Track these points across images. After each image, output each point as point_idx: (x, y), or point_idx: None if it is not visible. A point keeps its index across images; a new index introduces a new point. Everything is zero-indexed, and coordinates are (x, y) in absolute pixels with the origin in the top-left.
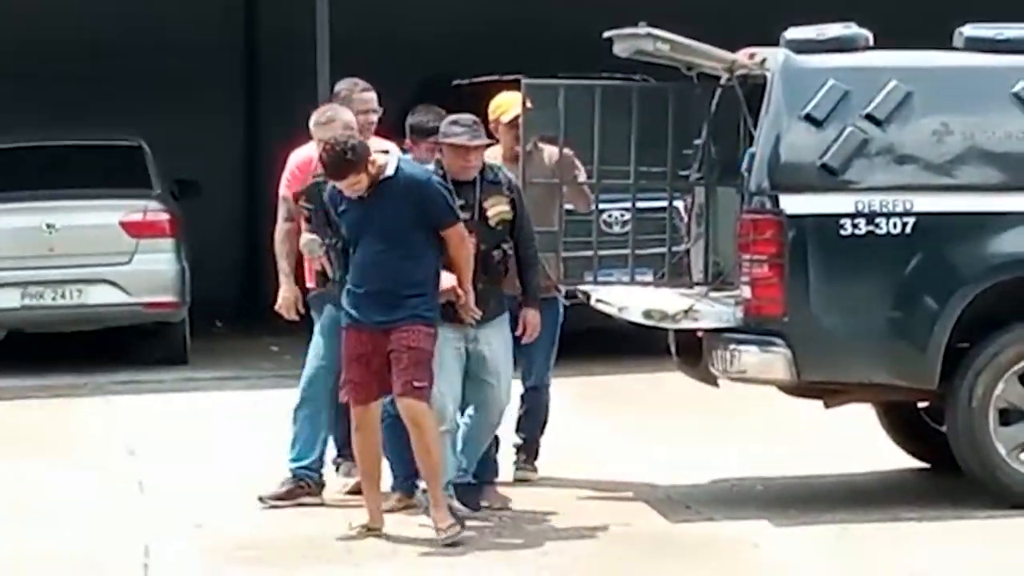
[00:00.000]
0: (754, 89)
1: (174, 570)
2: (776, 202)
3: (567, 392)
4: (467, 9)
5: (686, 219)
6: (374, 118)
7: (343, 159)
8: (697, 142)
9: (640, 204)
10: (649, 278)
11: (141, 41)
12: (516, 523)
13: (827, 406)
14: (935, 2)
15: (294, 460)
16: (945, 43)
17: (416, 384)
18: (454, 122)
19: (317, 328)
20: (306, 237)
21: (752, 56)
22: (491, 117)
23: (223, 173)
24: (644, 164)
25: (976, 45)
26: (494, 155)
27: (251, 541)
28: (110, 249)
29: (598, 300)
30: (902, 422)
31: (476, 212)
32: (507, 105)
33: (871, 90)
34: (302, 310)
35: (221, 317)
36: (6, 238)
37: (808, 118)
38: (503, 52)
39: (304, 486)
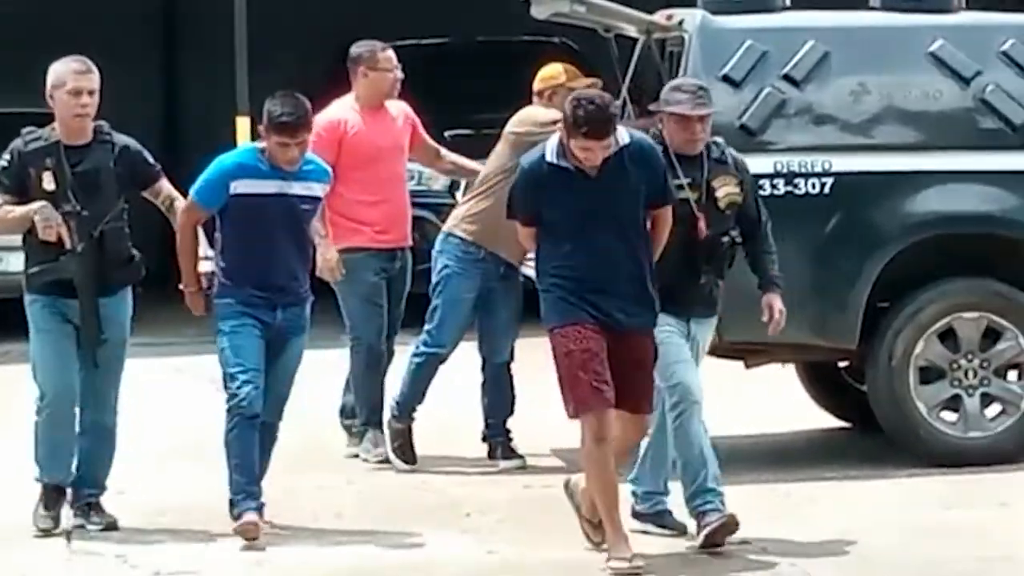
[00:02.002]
0: (673, 50)
1: (96, 536)
2: None
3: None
4: None
5: None
6: (400, 75)
7: (609, 113)
8: (616, 103)
9: None
10: None
11: (64, 9)
12: (436, 485)
13: (748, 366)
14: None
15: None
16: (862, 3)
17: (651, 402)
18: (676, 87)
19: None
20: (38, 203)
21: (670, 17)
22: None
23: (141, 132)
24: None
25: (893, 5)
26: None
27: (174, 505)
28: None
29: (520, 264)
30: (823, 381)
31: (703, 192)
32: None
33: (789, 50)
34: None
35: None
36: None
37: (726, 79)
38: (422, 18)
39: None
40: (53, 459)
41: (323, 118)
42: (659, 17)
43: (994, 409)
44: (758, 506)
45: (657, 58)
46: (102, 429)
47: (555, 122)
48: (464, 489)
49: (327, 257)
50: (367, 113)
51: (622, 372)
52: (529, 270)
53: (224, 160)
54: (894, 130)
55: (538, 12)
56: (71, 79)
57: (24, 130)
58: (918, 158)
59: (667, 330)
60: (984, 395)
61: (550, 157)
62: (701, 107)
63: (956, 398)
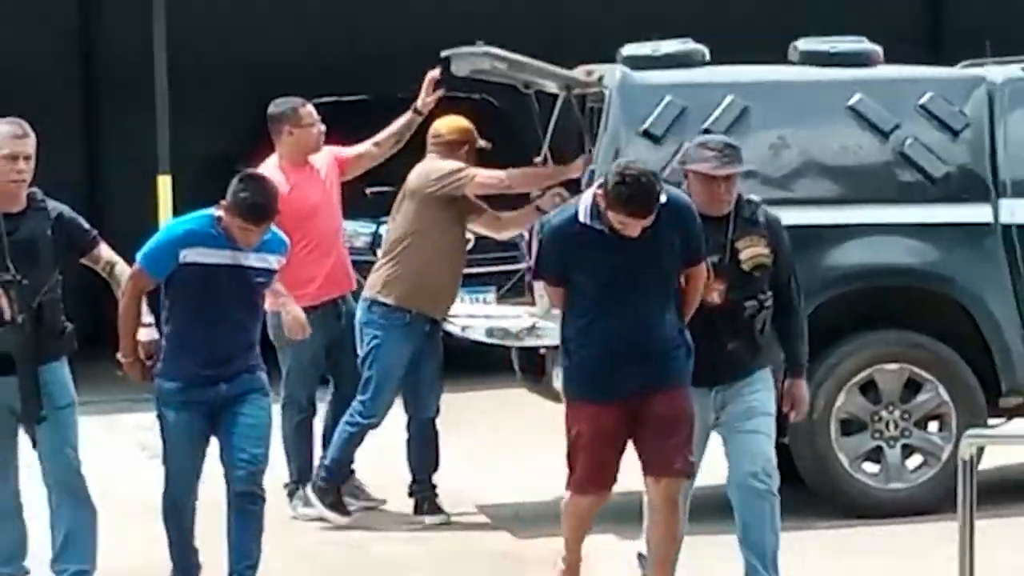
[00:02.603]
0: (594, 106)
1: None
2: None
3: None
4: (301, 34)
5: (527, 237)
6: (322, 128)
7: (653, 190)
8: (537, 159)
9: None
10: (492, 296)
11: None
12: (361, 542)
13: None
14: (770, 17)
15: None
16: (782, 58)
17: (690, 459)
18: (702, 144)
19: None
20: None
21: (590, 73)
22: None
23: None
24: None
25: (811, 59)
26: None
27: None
28: None
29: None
30: None
31: (727, 254)
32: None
33: (708, 106)
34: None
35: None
36: None
37: (646, 134)
38: (342, 75)
39: None
40: (5, 559)
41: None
42: (579, 73)
43: (915, 460)
44: (682, 560)
45: (577, 114)
46: (73, 492)
47: (461, 170)
48: (390, 547)
49: (296, 315)
50: (295, 171)
51: (651, 434)
52: (451, 326)
53: (175, 226)
54: (814, 184)
55: (458, 69)
56: (7, 144)
57: None
58: (838, 211)
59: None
60: (905, 446)
61: (583, 217)
62: (728, 166)
63: (877, 449)
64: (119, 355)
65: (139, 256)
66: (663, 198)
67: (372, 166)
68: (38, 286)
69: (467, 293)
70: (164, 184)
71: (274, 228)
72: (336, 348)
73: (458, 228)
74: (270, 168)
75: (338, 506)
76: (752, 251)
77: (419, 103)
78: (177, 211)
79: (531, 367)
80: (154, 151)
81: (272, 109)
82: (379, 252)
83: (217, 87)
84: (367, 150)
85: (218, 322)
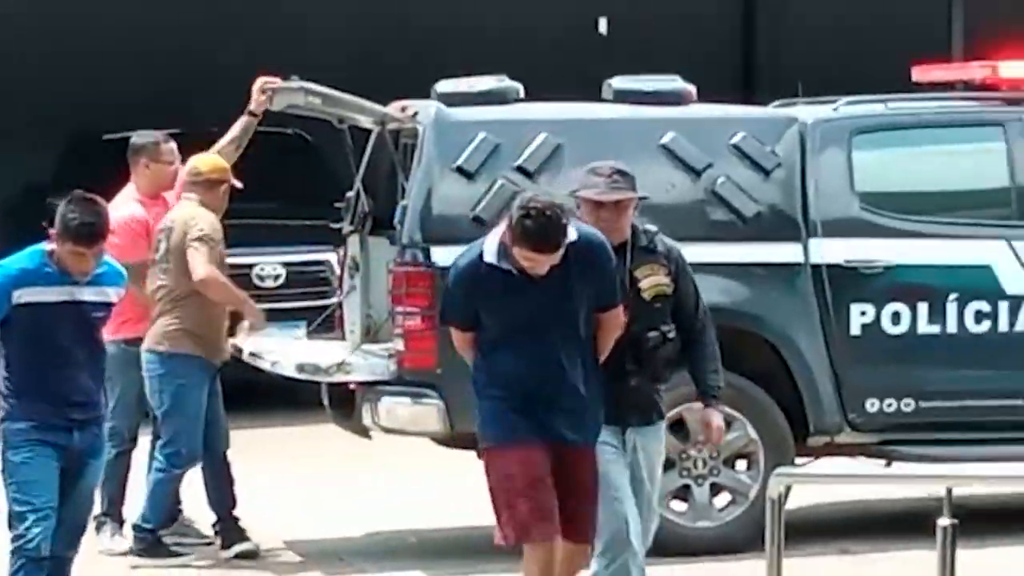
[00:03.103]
0: (408, 142)
1: None
2: (428, 254)
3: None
4: (111, 65)
5: (339, 271)
6: (179, 168)
7: (559, 225)
8: (350, 194)
9: (293, 258)
10: (302, 332)
11: None
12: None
13: (480, 456)
14: (586, 55)
15: None
16: (595, 96)
17: (594, 529)
18: (592, 170)
19: None
20: None
21: (404, 109)
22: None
23: None
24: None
25: (625, 97)
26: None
27: None
28: None
29: (251, 354)
30: None
31: (626, 283)
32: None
33: (521, 143)
34: None
35: None
36: None
37: (460, 170)
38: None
39: None
40: None
41: (125, 214)
42: (393, 109)
43: (724, 499)
44: None
45: (391, 149)
46: None
47: (199, 251)
48: None
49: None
50: (151, 204)
51: (563, 496)
52: (261, 362)
53: (6, 266)
54: None
55: (274, 105)
56: None
57: None
58: None
59: (605, 450)
60: (713, 484)
61: (489, 258)
62: (615, 192)
63: (685, 487)
64: None
65: None
66: (573, 235)
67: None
68: None
69: (278, 328)
70: None
71: (109, 259)
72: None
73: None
74: (128, 199)
75: (161, 552)
76: (652, 280)
77: (252, 105)
78: None
79: (341, 403)
80: None
81: (134, 140)
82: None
83: (26, 121)
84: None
85: (60, 362)
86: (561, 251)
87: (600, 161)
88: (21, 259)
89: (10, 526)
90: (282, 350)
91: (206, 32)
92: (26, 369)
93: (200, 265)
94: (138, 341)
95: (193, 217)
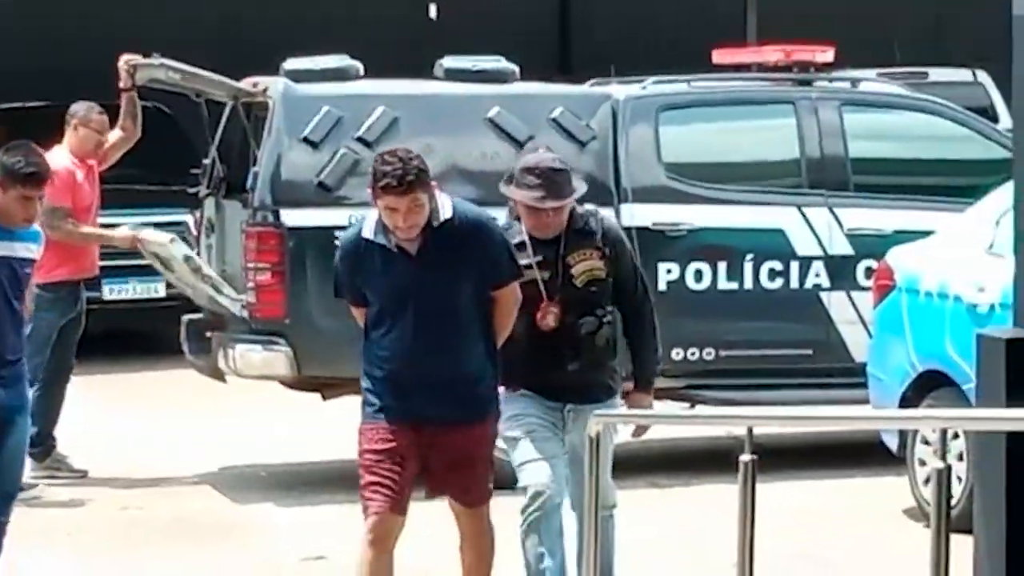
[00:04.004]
0: (259, 114)
1: None
2: (277, 216)
3: (95, 391)
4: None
5: (195, 232)
6: (105, 137)
7: (412, 167)
8: (205, 162)
9: (153, 219)
10: (162, 287)
11: None
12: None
13: (324, 398)
14: (422, 38)
15: None
16: (429, 74)
17: (491, 491)
18: (527, 169)
19: None
20: None
21: (255, 84)
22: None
23: None
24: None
25: (455, 75)
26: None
27: None
28: None
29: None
30: None
31: (559, 270)
32: None
33: (362, 115)
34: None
35: None
36: None
37: (306, 140)
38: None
39: None
40: None
41: (60, 164)
42: (246, 84)
43: None
44: (337, 525)
45: (244, 121)
46: None
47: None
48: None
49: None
50: (81, 166)
51: (448, 465)
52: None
53: None
54: (458, 187)
55: (139, 77)
56: None
57: None
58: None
59: (529, 422)
60: None
61: (367, 233)
62: (554, 200)
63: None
64: None
65: None
66: (448, 212)
67: (127, 143)
68: None
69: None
70: None
71: None
72: (68, 326)
73: None
74: (62, 155)
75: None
76: (584, 265)
77: (122, 83)
78: None
79: (198, 349)
80: None
81: (73, 105)
82: None
83: None
84: (117, 137)
85: None
86: (416, 195)
87: (532, 154)
88: None
89: None
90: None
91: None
92: None
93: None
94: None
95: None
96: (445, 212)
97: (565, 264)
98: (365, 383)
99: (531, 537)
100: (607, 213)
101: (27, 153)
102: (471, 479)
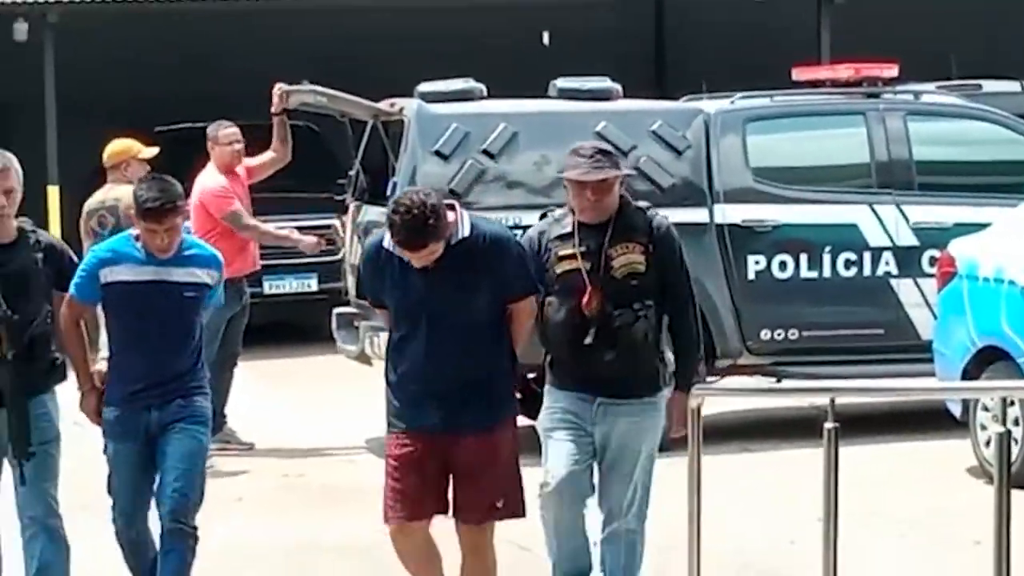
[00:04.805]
0: (396, 131)
1: None
2: None
3: (258, 374)
4: (168, 69)
5: (343, 234)
6: (240, 147)
7: (425, 226)
8: (351, 173)
9: (306, 223)
10: (314, 283)
11: None
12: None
13: None
14: (536, 61)
15: None
16: (543, 94)
17: (499, 505)
18: (574, 151)
19: None
20: None
21: (393, 105)
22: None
23: None
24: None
25: (566, 94)
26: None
27: None
28: None
29: None
30: None
31: (599, 261)
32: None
33: (486, 131)
34: None
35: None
36: None
37: (437, 153)
38: (191, 101)
39: None
40: None
41: (210, 181)
42: (384, 105)
43: None
44: None
45: (383, 137)
46: (49, 531)
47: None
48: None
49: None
50: (227, 177)
51: (458, 479)
52: None
53: (97, 249)
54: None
55: (290, 102)
56: None
57: None
58: None
59: (556, 418)
60: None
61: (387, 244)
62: (596, 172)
63: None
64: (77, 387)
65: (71, 285)
66: (466, 231)
67: (278, 164)
68: (28, 320)
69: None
70: (53, 194)
71: (199, 241)
72: (235, 317)
73: None
74: (211, 172)
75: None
76: (625, 259)
77: (273, 107)
78: (64, 218)
79: (347, 337)
80: (44, 164)
81: (208, 129)
82: None
83: (100, 109)
84: (269, 158)
85: (150, 344)
86: (433, 247)
87: (583, 141)
88: (111, 242)
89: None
90: None
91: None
92: (120, 351)
93: None
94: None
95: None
96: (463, 231)
97: (607, 255)
98: (388, 392)
99: (545, 514)
100: (665, 214)
101: (152, 186)
102: (475, 494)
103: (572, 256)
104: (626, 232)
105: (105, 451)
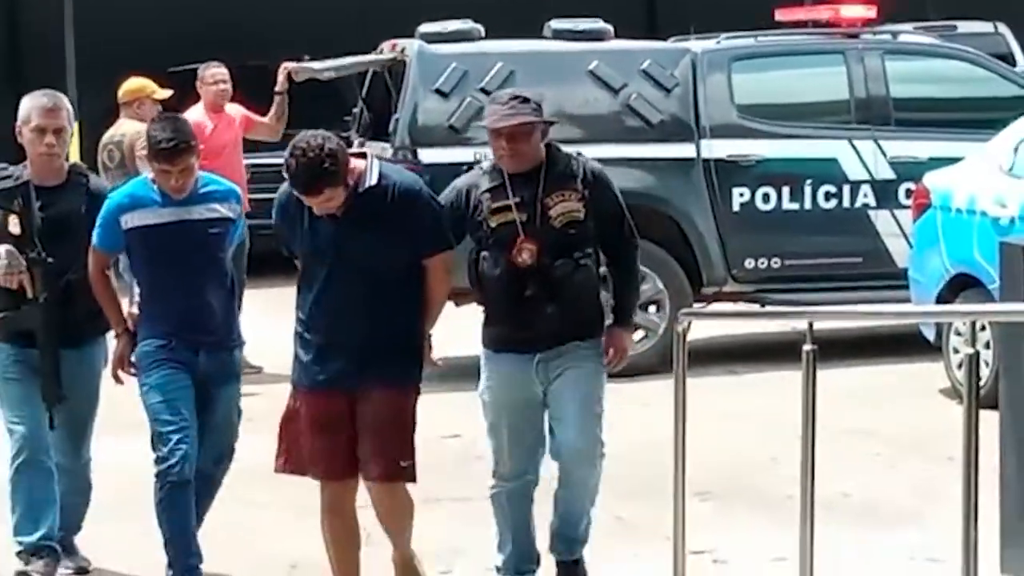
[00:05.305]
0: (398, 71)
1: None
2: (415, 154)
3: (257, 303)
4: (184, 11)
5: None
6: (225, 87)
7: (321, 169)
8: (355, 110)
9: None
10: None
11: None
12: None
13: (457, 305)
14: (528, 4)
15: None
16: (539, 34)
17: (403, 463)
18: (493, 99)
19: None
20: (2, 247)
21: (395, 46)
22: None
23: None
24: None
25: (561, 35)
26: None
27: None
28: None
29: None
30: None
31: (535, 212)
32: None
33: (483, 70)
34: None
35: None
36: None
37: (437, 91)
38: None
39: None
40: (34, 521)
41: (191, 118)
42: (386, 46)
43: (639, 334)
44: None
45: (386, 77)
46: (74, 477)
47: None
48: None
49: None
50: (213, 116)
51: (363, 434)
52: None
53: (114, 195)
54: (564, 128)
55: (298, 77)
56: (36, 116)
57: None
58: (581, 149)
59: (496, 386)
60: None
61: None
62: (508, 119)
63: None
64: (112, 333)
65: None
66: (374, 179)
67: (268, 136)
68: (66, 265)
69: None
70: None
71: (215, 177)
72: (237, 248)
73: None
74: (196, 112)
75: None
76: (562, 207)
77: (277, 87)
78: (83, 152)
79: None
80: None
81: (199, 69)
82: None
83: (119, 51)
84: (265, 122)
85: (179, 283)
86: (330, 193)
87: (502, 91)
88: (127, 187)
89: (153, 447)
90: None
91: None
92: (150, 292)
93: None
94: None
95: (138, 132)
96: (371, 179)
97: (543, 205)
98: (295, 343)
99: (497, 507)
100: (589, 155)
101: (165, 127)
102: (376, 451)
103: (507, 208)
104: (560, 180)
105: (144, 389)
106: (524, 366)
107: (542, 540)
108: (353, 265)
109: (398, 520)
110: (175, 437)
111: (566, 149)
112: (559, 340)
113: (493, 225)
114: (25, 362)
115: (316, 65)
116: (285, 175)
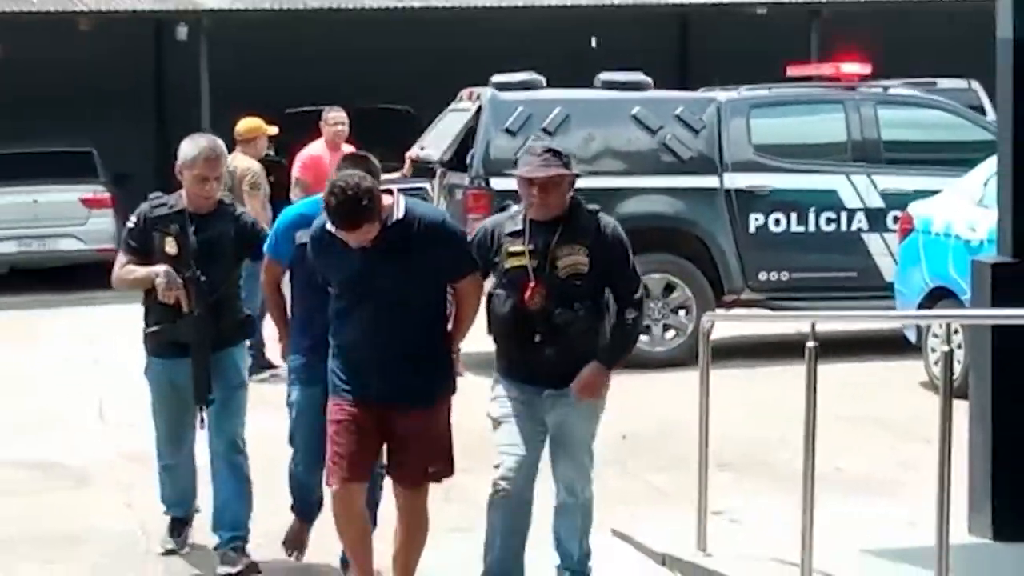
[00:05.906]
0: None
1: (122, 416)
2: (488, 183)
3: None
4: (316, 62)
5: (432, 194)
6: (342, 128)
7: (360, 206)
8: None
9: (404, 185)
10: None
11: (87, 85)
12: None
13: None
14: (583, 60)
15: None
16: (590, 84)
17: (431, 471)
18: (528, 150)
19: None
20: (162, 267)
21: (471, 94)
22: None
23: (144, 168)
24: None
25: (609, 85)
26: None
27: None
28: (73, 215)
29: None
30: None
31: (545, 260)
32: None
33: (545, 113)
34: None
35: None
36: (5, 208)
37: (507, 131)
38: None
39: None
40: (175, 503)
41: (308, 151)
42: (465, 94)
43: (671, 333)
44: None
45: (472, 120)
46: (231, 467)
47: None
48: None
49: None
50: (332, 153)
51: (394, 447)
52: None
53: (288, 211)
54: (610, 162)
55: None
56: (199, 166)
57: (151, 195)
58: (626, 179)
59: (507, 407)
60: (665, 325)
61: (329, 226)
62: (542, 170)
63: (648, 327)
64: (277, 340)
65: (266, 246)
66: (401, 213)
67: None
68: (217, 282)
69: None
70: None
71: None
72: None
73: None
74: (318, 147)
75: None
76: (569, 259)
77: (405, 171)
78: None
79: None
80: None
81: (323, 111)
82: None
83: (244, 93)
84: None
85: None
86: (368, 227)
87: (537, 142)
88: (301, 205)
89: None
90: None
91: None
92: (307, 306)
93: (250, 202)
94: None
95: (248, 168)
96: (398, 213)
97: (553, 255)
98: (331, 362)
99: (491, 513)
100: (612, 219)
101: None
102: (406, 463)
103: (521, 253)
104: (573, 234)
105: (289, 399)
106: (532, 397)
107: (536, 567)
108: (383, 292)
109: (416, 517)
110: (304, 446)
111: (589, 205)
112: (563, 380)
113: (507, 267)
114: (169, 378)
115: (428, 154)
116: (324, 212)
